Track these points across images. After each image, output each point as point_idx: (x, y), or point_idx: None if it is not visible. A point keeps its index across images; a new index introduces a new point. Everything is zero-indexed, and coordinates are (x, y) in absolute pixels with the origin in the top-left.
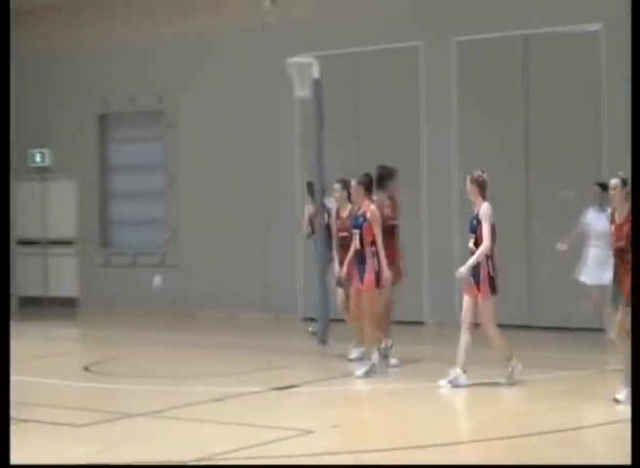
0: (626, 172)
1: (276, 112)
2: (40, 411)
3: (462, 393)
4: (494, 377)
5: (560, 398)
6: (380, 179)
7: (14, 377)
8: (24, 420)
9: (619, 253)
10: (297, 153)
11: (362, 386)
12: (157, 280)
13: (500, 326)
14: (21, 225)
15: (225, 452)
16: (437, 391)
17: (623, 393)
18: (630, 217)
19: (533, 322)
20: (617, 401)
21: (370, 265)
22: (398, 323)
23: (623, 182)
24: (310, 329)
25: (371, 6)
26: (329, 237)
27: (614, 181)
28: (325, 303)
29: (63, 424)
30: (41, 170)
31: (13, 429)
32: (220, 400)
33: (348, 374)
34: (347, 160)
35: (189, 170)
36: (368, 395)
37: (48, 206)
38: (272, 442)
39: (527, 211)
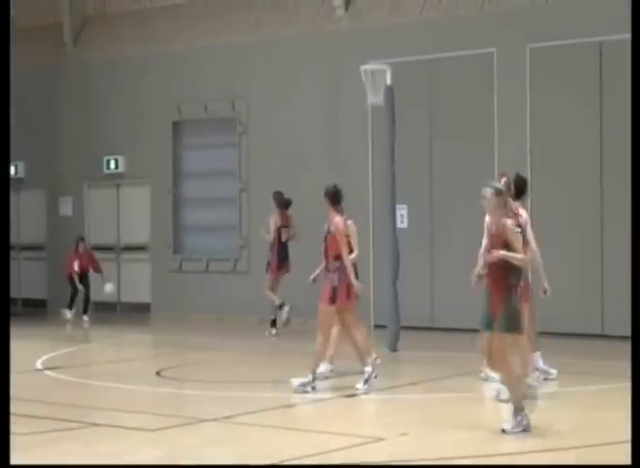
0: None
1: (348, 119)
2: (112, 416)
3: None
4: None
5: None
6: (519, 189)
7: (87, 381)
8: (97, 424)
9: (492, 270)
10: (369, 160)
11: (432, 394)
12: (109, 287)
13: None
14: (95, 231)
15: (293, 459)
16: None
17: (510, 422)
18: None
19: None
20: (503, 431)
21: (327, 280)
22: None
23: (497, 191)
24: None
25: (444, 13)
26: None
27: (487, 191)
28: (395, 311)
29: (135, 428)
30: (115, 176)
31: (84, 432)
32: (290, 406)
33: (419, 382)
34: (420, 167)
35: (261, 176)
36: (438, 402)
37: (121, 212)
38: (341, 449)
39: (601, 216)
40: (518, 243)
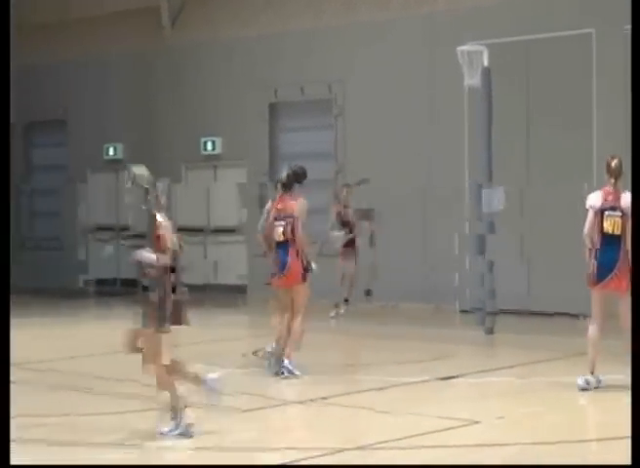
0: None
1: (445, 101)
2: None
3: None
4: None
5: None
6: None
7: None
8: (190, 405)
9: None
10: (465, 142)
11: (529, 378)
12: (108, 250)
13: None
14: (190, 213)
15: (387, 441)
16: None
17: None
18: None
19: None
20: None
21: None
22: None
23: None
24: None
25: None
26: None
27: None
28: (491, 294)
29: (228, 409)
30: (212, 158)
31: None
32: (381, 389)
33: (515, 365)
34: (516, 149)
35: (357, 158)
36: (534, 386)
37: (217, 193)
38: (436, 431)
39: None
40: None
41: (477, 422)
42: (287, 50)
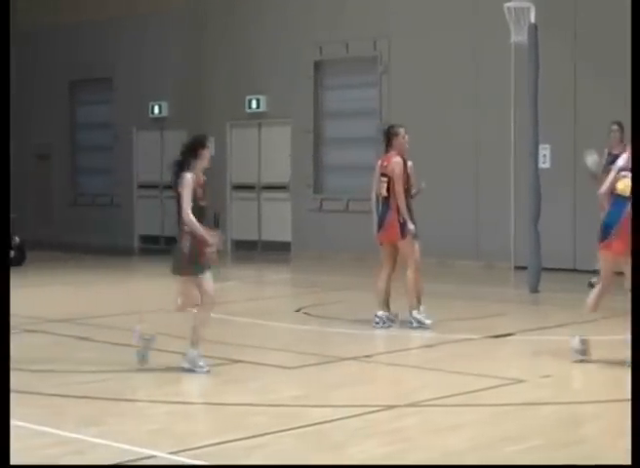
0: None
1: (491, 57)
2: (252, 352)
3: None
4: None
5: None
6: None
7: (229, 318)
8: (237, 361)
9: None
10: (511, 99)
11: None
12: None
13: None
14: (237, 170)
15: (433, 399)
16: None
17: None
18: None
19: None
20: None
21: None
22: None
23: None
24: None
25: None
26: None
27: None
28: (536, 252)
29: (274, 366)
30: (257, 115)
31: (224, 369)
32: (430, 346)
33: (562, 324)
34: (563, 106)
35: (402, 116)
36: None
37: (263, 151)
38: (481, 390)
39: None
40: None
41: (522, 381)
42: (332, 6)
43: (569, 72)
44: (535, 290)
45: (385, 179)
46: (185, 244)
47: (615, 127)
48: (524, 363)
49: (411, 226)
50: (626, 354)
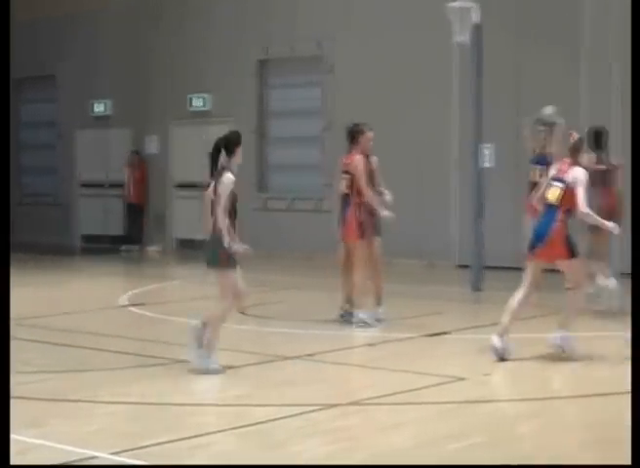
0: None
1: (434, 58)
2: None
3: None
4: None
5: None
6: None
7: (170, 318)
8: (179, 361)
9: None
10: (454, 99)
11: (515, 334)
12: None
13: None
14: (180, 169)
15: (376, 397)
16: (593, 341)
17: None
18: None
19: None
20: None
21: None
22: None
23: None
24: None
25: None
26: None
27: None
28: (479, 251)
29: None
30: (201, 114)
31: (166, 369)
32: (371, 345)
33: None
34: (506, 106)
35: (346, 115)
36: (520, 343)
37: (206, 150)
38: (423, 388)
39: None
40: None
41: (463, 379)
42: (277, 6)
43: (512, 72)
44: (477, 288)
45: (347, 177)
46: (225, 239)
47: (540, 127)
48: (465, 361)
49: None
50: (626, 352)
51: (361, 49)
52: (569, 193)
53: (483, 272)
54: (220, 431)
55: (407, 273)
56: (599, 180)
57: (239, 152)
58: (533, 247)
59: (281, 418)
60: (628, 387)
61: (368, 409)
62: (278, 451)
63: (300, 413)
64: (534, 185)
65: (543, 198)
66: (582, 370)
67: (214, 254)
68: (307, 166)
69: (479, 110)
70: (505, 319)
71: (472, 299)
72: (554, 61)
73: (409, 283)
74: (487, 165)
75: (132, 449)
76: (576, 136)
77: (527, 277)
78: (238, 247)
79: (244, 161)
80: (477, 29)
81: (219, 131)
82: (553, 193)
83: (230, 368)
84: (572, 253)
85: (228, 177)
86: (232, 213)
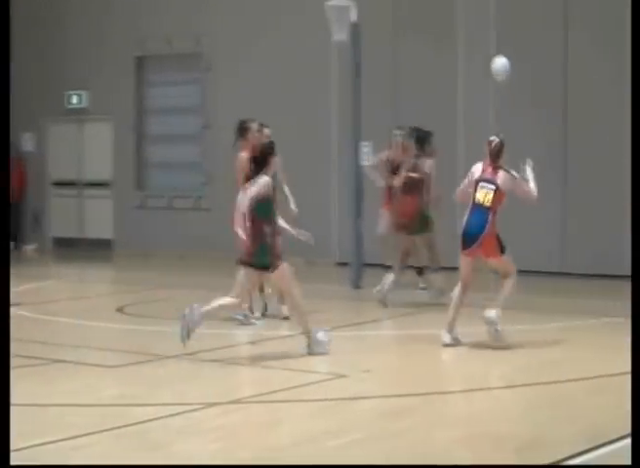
0: None
1: (313, 56)
2: (72, 352)
3: (511, 338)
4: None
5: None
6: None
7: (48, 318)
8: (57, 361)
9: None
10: (333, 98)
11: (395, 331)
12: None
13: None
14: (57, 167)
15: (256, 395)
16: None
17: None
18: None
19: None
20: None
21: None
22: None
23: None
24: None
25: None
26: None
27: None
28: (358, 248)
29: (95, 365)
30: (78, 111)
31: (43, 369)
32: (252, 343)
33: (381, 319)
34: (384, 104)
35: (225, 113)
36: (400, 340)
37: (84, 148)
38: (303, 385)
39: (564, 160)
40: None
41: (343, 376)
42: (154, 2)
43: (390, 70)
44: (357, 286)
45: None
46: (273, 240)
47: (397, 131)
48: (344, 358)
49: None
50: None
51: (240, 47)
52: (499, 195)
53: (362, 270)
54: (99, 432)
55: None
56: (409, 188)
57: (274, 162)
58: (466, 246)
59: (161, 418)
60: (506, 381)
61: (248, 407)
62: (158, 451)
63: (181, 413)
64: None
65: (473, 198)
66: (460, 364)
67: (264, 257)
68: (186, 164)
69: (357, 109)
70: (450, 314)
71: (352, 297)
72: (431, 58)
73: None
74: (366, 163)
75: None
76: (496, 140)
77: (460, 274)
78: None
79: (122, 159)
80: (355, 28)
81: (96, 128)
82: (485, 195)
83: (109, 367)
84: (502, 250)
85: (264, 179)
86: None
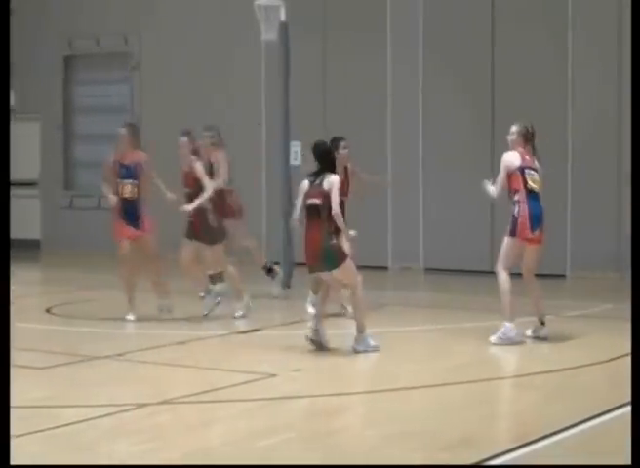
0: None
1: (243, 55)
2: None
3: (430, 337)
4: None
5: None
6: None
7: None
8: None
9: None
10: (263, 97)
11: (326, 330)
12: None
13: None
14: None
15: (186, 396)
16: (403, 336)
17: None
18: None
19: None
20: None
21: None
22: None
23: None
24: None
25: None
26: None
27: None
28: (288, 248)
29: (23, 366)
30: None
31: None
32: (182, 343)
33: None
34: (314, 105)
35: (154, 112)
36: (331, 339)
37: (11, 147)
38: (234, 385)
39: (492, 158)
40: None
41: (273, 375)
42: (82, 1)
43: (319, 69)
44: (286, 285)
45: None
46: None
47: (207, 133)
48: (275, 357)
49: None
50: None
51: (169, 46)
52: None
53: (292, 269)
54: (27, 433)
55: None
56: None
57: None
58: (533, 231)
59: (91, 419)
60: (436, 380)
61: (178, 407)
62: (88, 453)
63: (111, 414)
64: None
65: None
66: (390, 363)
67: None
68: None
69: (286, 108)
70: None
71: (282, 296)
72: (361, 57)
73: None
74: (295, 162)
75: None
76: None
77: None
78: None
79: (50, 158)
80: (284, 27)
81: (23, 127)
82: (534, 181)
83: (38, 369)
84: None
85: (335, 177)
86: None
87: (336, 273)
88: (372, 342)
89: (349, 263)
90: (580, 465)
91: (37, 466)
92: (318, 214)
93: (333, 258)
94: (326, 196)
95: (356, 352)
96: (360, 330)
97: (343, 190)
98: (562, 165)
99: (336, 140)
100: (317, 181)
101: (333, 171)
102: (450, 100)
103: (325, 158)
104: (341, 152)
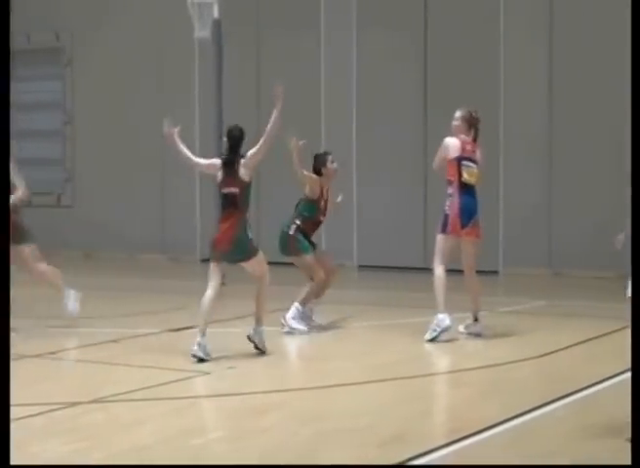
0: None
1: (176, 53)
2: None
3: (363, 334)
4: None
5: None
6: None
7: None
8: None
9: None
10: (195, 95)
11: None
12: None
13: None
14: None
15: (118, 394)
16: (335, 333)
17: None
18: None
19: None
20: None
21: None
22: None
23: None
24: None
25: None
26: None
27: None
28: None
29: None
30: None
31: None
32: (115, 341)
33: (243, 316)
34: (248, 102)
35: (87, 109)
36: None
37: None
38: (166, 383)
39: (425, 157)
40: None
41: (207, 373)
42: None
43: (253, 67)
44: (221, 282)
45: None
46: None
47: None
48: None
49: None
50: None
51: (101, 42)
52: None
53: (227, 266)
54: None
55: (150, 268)
56: None
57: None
58: (464, 226)
59: (21, 418)
60: (369, 376)
61: (110, 406)
62: (17, 452)
63: (42, 413)
64: None
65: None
66: (321, 361)
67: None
68: (48, 160)
69: (220, 106)
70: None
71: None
72: (295, 54)
73: (152, 277)
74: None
75: None
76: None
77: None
78: None
79: None
80: (217, 25)
81: None
82: (471, 174)
83: None
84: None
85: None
86: None
87: (245, 265)
88: (265, 338)
89: (261, 256)
90: (578, 465)
91: (37, 466)
92: (235, 203)
93: (245, 250)
94: (243, 185)
95: (250, 341)
96: (259, 323)
97: (322, 210)
98: (494, 158)
99: (322, 155)
100: (232, 169)
101: (243, 157)
102: (382, 94)
103: (239, 143)
104: (330, 166)
